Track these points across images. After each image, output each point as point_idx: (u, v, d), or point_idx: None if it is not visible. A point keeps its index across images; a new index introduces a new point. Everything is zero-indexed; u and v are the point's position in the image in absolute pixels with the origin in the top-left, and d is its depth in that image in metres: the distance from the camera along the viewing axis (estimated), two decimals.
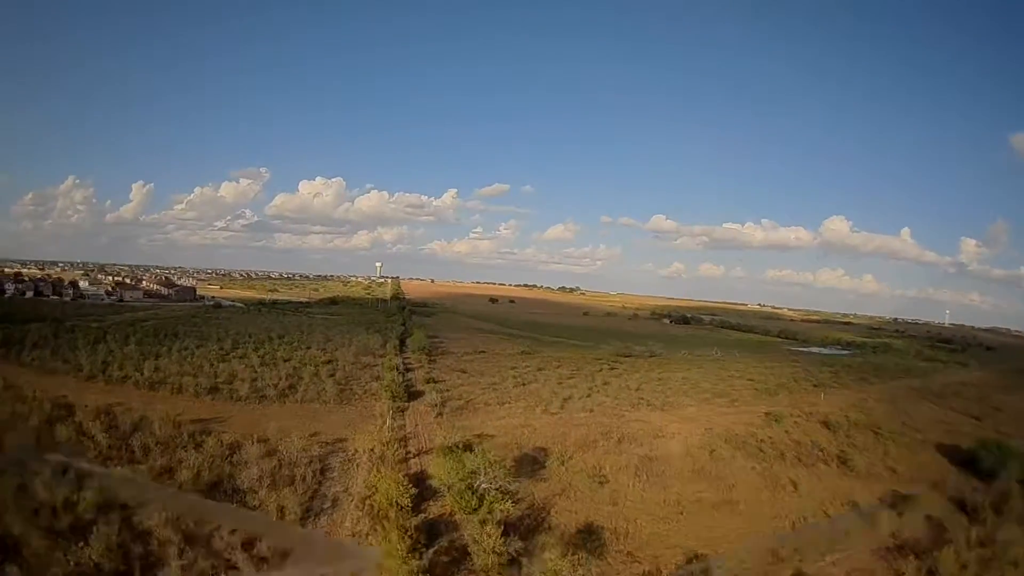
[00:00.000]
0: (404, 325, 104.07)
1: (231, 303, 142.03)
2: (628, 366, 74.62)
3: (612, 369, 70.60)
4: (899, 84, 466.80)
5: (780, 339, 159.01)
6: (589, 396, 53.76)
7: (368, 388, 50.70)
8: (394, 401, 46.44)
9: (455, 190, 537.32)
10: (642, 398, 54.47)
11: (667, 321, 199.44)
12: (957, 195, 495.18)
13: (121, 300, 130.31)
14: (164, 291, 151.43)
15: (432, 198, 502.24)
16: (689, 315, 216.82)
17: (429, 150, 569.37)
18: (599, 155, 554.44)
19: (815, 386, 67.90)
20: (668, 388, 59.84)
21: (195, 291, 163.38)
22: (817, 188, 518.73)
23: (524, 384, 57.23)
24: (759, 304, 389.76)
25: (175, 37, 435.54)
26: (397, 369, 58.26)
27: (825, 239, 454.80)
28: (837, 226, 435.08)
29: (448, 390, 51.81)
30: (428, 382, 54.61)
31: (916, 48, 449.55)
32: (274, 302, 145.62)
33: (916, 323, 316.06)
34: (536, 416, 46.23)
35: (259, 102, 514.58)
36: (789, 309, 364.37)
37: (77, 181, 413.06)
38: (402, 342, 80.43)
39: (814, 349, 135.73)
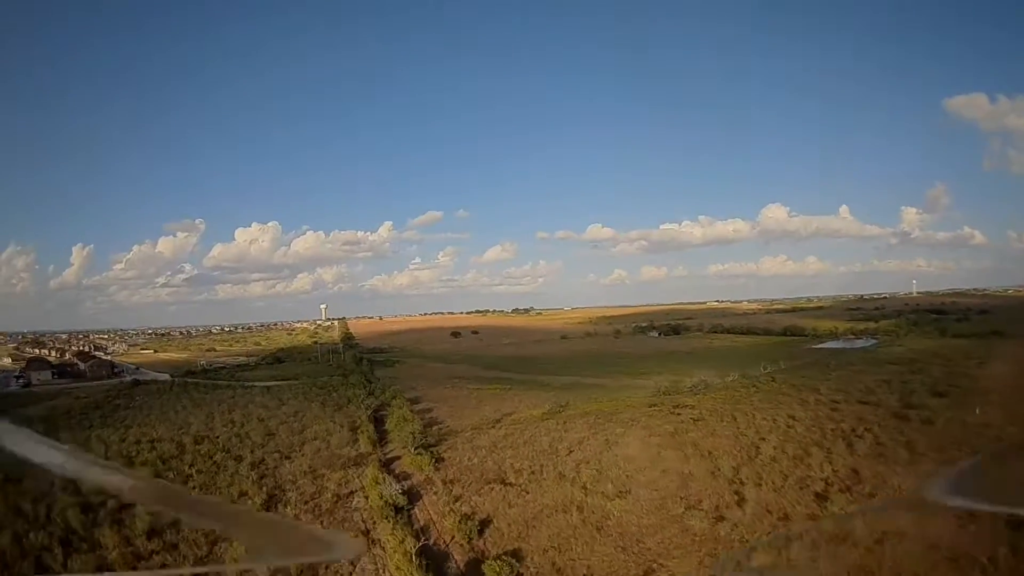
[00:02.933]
0: (369, 386, 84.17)
1: (155, 376, 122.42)
2: (718, 419, 58.53)
3: (712, 433, 54.35)
4: (826, 61, 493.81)
5: (790, 337, 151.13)
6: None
7: None
8: None
9: (390, 223, 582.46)
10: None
11: (655, 334, 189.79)
12: (894, 166, 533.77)
13: (28, 384, 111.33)
14: (80, 366, 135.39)
15: (368, 233, 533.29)
16: (673, 324, 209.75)
17: (360, 185, 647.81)
18: (529, 171, 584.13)
19: None
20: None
21: (112, 365, 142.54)
22: (751, 179, 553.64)
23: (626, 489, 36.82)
24: (716, 301, 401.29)
25: (95, 89, 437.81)
26: (394, 506, 34.72)
27: (764, 228, 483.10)
28: (775, 214, 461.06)
29: (519, 546, 29.56)
30: (465, 532, 30.84)
31: (842, 23, 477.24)
32: (206, 370, 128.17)
33: (882, 296, 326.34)
34: None
35: (189, 152, 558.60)
36: (747, 302, 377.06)
37: (18, 248, 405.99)
38: (378, 422, 60.93)
39: (835, 344, 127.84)
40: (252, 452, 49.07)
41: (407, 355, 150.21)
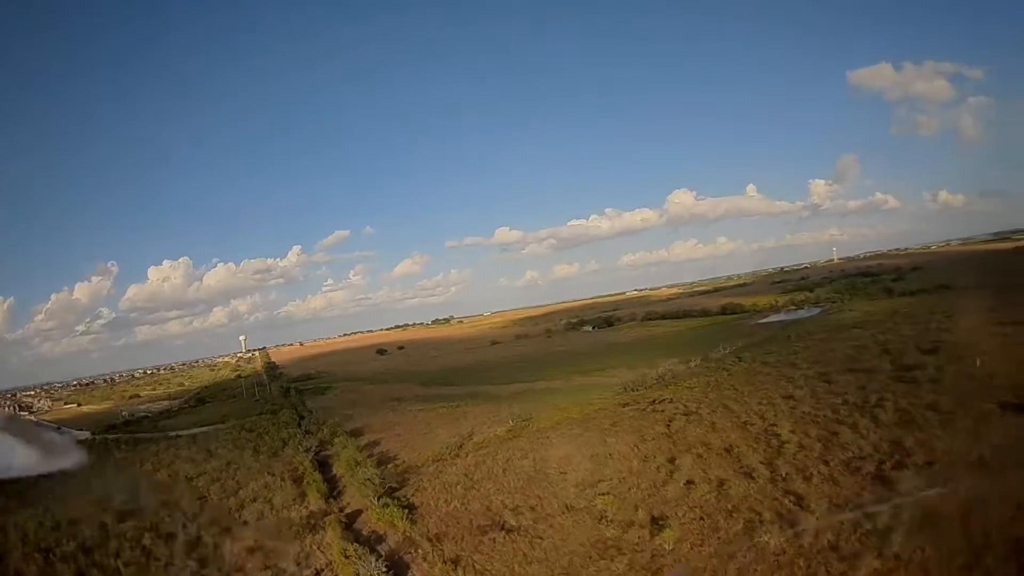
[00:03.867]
0: (304, 422, 74.39)
1: (76, 435, 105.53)
2: (711, 409, 53.70)
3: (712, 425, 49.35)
4: (723, 42, 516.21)
5: (730, 315, 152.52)
6: None
7: None
8: None
9: (299, 247, 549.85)
10: None
11: (589, 328, 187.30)
12: (800, 141, 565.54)
13: None
14: None
15: (278, 259, 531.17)
16: (605, 316, 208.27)
17: (265, 212, 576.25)
18: (430, 181, 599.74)
19: None
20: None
21: None
22: (656, 166, 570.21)
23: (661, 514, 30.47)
24: (635, 290, 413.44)
25: None
26: None
27: (672, 214, 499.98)
28: (682, 199, 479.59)
29: None
30: None
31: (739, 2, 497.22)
32: (127, 422, 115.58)
33: (802, 267, 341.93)
34: None
35: (94, 192, 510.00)
36: (666, 287, 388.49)
37: None
38: (323, 466, 51.92)
39: (779, 317, 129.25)
40: (185, 527, 39.13)
41: (336, 379, 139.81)
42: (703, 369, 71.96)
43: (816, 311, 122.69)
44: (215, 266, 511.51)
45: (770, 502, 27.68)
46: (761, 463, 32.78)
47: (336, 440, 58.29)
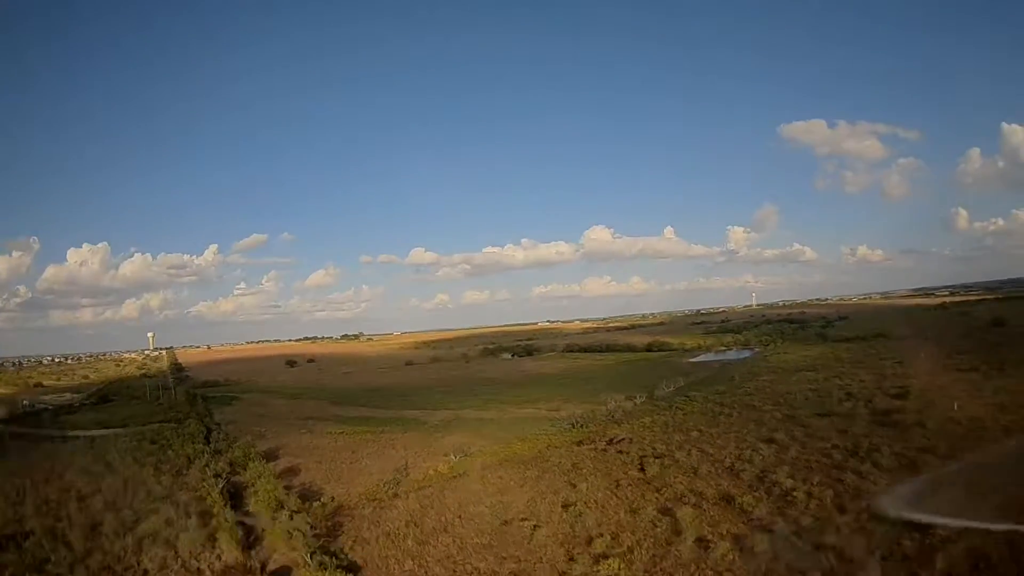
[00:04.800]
0: (211, 437, 64.33)
1: None
2: (685, 452, 49.70)
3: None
4: (655, 88, 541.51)
5: (656, 352, 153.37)
6: None
7: None
8: None
9: (216, 245, 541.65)
10: None
11: (508, 356, 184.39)
12: (723, 189, 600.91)
13: None
14: None
15: (194, 256, 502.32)
16: (525, 345, 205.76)
17: (187, 204, 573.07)
18: (352, 193, 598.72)
19: None
20: None
21: None
22: (576, 201, 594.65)
23: None
24: (548, 321, 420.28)
25: None
26: None
27: (588, 250, 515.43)
28: (598, 235, 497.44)
29: None
30: None
31: (674, 48, 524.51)
32: (27, 413, 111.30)
33: (719, 310, 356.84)
34: None
35: (21, 163, 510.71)
36: (580, 320, 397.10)
37: None
38: (234, 496, 43.14)
39: (710, 357, 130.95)
40: (72, 569, 29.73)
41: (244, 389, 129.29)
42: (653, 407, 69.20)
43: (748, 353, 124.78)
44: (132, 256, 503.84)
45: (811, 560, 23.58)
46: (773, 514, 29.01)
47: (251, 466, 49.48)
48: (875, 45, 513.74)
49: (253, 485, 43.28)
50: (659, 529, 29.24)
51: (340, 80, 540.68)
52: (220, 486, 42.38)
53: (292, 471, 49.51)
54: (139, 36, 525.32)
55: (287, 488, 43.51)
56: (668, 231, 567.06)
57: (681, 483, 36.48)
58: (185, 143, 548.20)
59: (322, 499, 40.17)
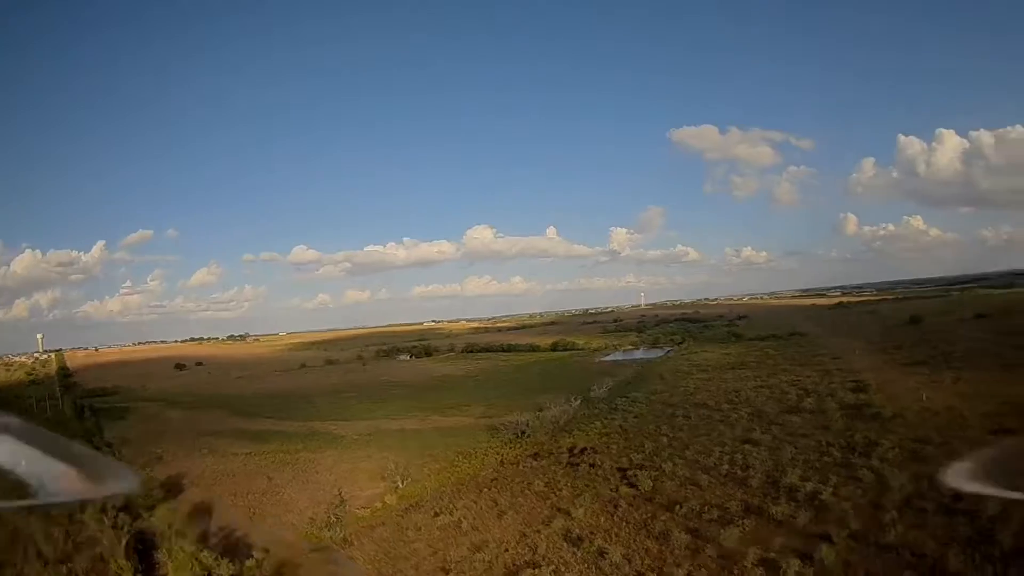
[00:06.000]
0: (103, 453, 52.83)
1: None
2: (672, 462, 47.20)
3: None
4: (544, 85, 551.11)
5: (562, 352, 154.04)
6: None
7: None
8: None
9: (103, 241, 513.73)
10: None
11: (406, 357, 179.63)
12: (609, 190, 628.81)
13: None
14: None
15: (82, 253, 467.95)
16: (423, 346, 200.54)
17: (77, 197, 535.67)
18: (237, 188, 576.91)
19: None
20: None
21: None
22: (457, 200, 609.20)
23: None
24: (433, 321, 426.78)
25: None
26: None
27: (469, 249, 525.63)
28: (480, 235, 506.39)
29: None
30: None
31: (568, 49, 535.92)
32: None
33: (608, 310, 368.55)
34: None
35: None
36: (465, 320, 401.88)
37: None
38: (141, 555, 34.36)
39: (620, 356, 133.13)
40: None
41: (134, 397, 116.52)
42: (595, 411, 67.14)
43: (660, 352, 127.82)
44: (23, 251, 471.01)
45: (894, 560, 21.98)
46: (816, 522, 27.99)
47: (158, 509, 40.72)
48: (773, 53, 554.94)
49: (166, 540, 35.25)
50: (706, 556, 26.40)
51: (219, 75, 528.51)
52: (125, 539, 33.91)
53: (204, 510, 41.56)
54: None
55: (202, 538, 36.01)
56: (551, 230, 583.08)
57: (688, 497, 34.16)
58: (76, 132, 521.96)
59: (254, 553, 33.22)
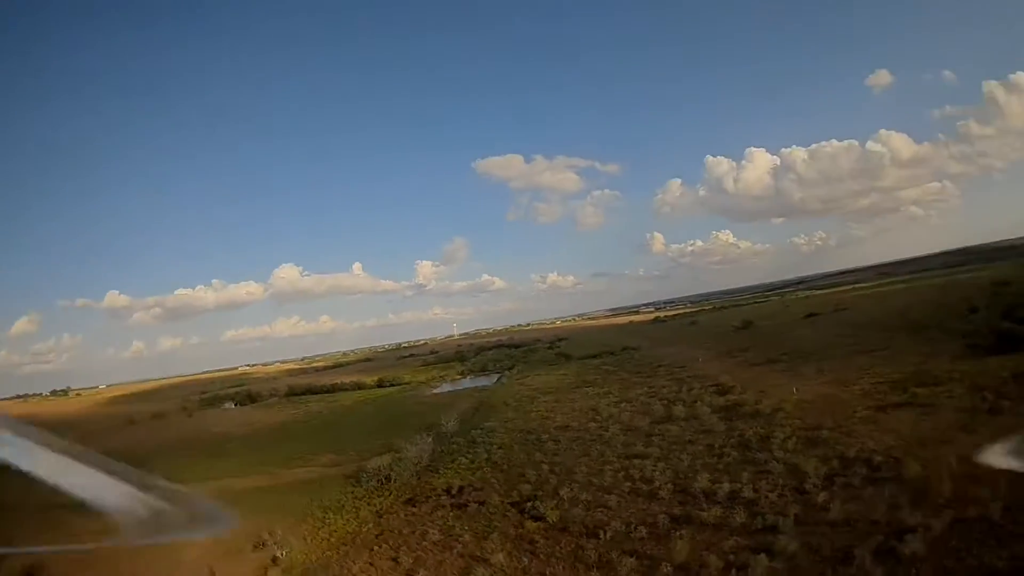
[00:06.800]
0: None
1: None
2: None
3: None
4: (344, 120, 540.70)
5: (390, 387, 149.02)
6: None
7: None
8: None
9: None
10: None
11: (231, 405, 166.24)
12: (413, 223, 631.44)
13: None
14: None
15: None
16: (245, 392, 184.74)
17: None
18: (49, 229, 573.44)
19: None
20: None
21: None
22: (265, 239, 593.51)
23: None
24: (247, 365, 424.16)
25: None
26: None
27: (277, 289, 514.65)
28: (287, 274, 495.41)
29: None
30: None
31: (373, 83, 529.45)
32: None
33: (421, 343, 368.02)
34: None
35: None
36: (279, 363, 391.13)
37: None
38: None
39: (449, 388, 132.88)
40: None
41: None
42: (453, 446, 63.68)
43: (491, 380, 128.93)
44: None
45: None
46: (756, 531, 27.74)
47: None
48: (581, 83, 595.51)
49: None
50: (664, 574, 25.02)
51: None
52: None
53: None
54: None
55: None
56: (357, 267, 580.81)
57: (606, 520, 32.64)
58: None
59: None
